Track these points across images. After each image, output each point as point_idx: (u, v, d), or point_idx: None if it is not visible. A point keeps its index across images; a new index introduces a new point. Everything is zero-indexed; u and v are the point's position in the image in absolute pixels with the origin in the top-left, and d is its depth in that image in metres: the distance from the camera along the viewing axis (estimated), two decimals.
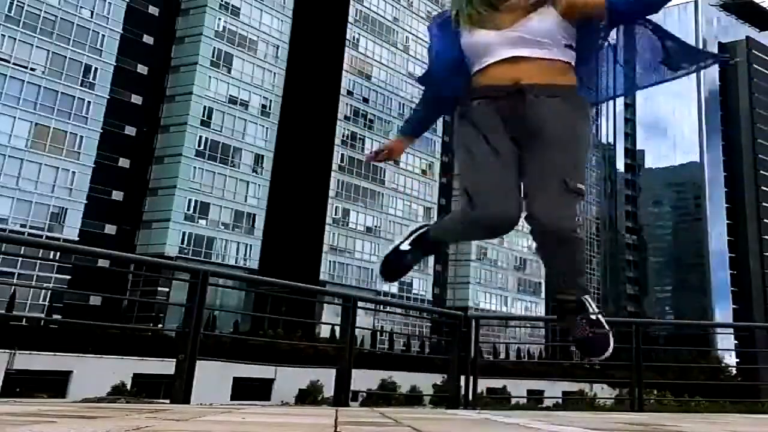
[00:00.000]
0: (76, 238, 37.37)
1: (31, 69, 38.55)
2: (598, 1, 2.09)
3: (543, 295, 67.74)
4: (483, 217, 2.17)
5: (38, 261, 35.49)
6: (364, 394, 21.10)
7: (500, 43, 2.15)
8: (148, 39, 46.24)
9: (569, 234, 2.13)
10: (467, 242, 62.77)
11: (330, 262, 52.09)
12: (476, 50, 2.19)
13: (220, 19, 48.13)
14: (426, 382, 32.79)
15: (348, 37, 56.20)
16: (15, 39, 38.05)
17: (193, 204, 45.08)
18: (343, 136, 54.66)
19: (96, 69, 41.19)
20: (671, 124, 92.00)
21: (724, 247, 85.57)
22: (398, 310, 42.13)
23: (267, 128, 49.72)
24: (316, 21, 55.64)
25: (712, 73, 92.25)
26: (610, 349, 2.19)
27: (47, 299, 37.49)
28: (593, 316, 2.21)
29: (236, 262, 45.85)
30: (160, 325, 37.50)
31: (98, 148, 40.82)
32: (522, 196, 2.18)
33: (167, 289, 39.43)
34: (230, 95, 47.90)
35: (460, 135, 2.27)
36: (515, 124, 2.15)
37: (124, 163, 43.97)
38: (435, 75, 2.33)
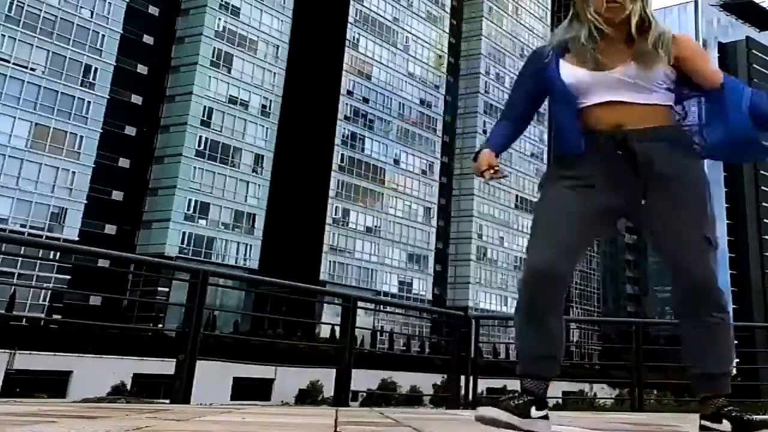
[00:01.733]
0: (76, 238, 37.36)
1: (31, 69, 38.53)
2: (714, 80, 2.09)
3: None
4: (530, 268, 2.07)
5: (38, 261, 35.49)
6: (364, 394, 21.08)
7: (600, 84, 2.08)
8: (148, 39, 46.23)
9: (722, 297, 2.06)
10: (468, 242, 62.84)
11: (330, 262, 52.08)
12: (575, 89, 2.11)
13: (220, 19, 48.12)
14: (426, 382, 32.82)
15: (348, 37, 56.18)
16: (15, 39, 38.04)
17: (193, 204, 45.06)
18: (343, 136, 54.64)
19: (96, 69, 41.17)
20: None
21: (724, 247, 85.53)
22: (398, 310, 42.11)
23: (267, 128, 49.70)
24: (316, 21, 55.62)
25: None
26: None
27: (47, 299, 37.47)
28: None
29: (236, 262, 45.83)
30: (160, 325, 37.49)
31: (98, 148, 40.79)
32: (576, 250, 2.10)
33: (167, 289, 39.41)
34: (230, 95, 47.88)
35: (551, 186, 2.15)
36: (621, 174, 2.06)
37: (124, 163, 43.97)
38: (526, 104, 2.27)
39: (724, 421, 2.03)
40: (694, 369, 2.10)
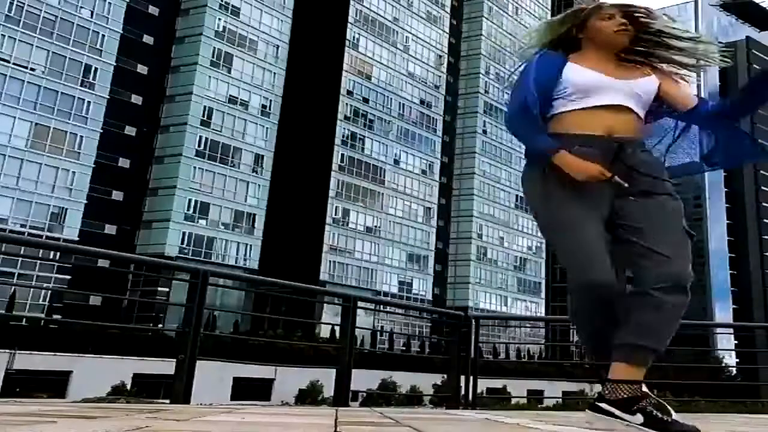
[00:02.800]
0: (76, 238, 37.37)
1: (31, 69, 38.54)
2: (687, 103, 2.37)
3: (543, 295, 67.77)
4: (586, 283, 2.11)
5: (38, 261, 35.51)
6: (364, 394, 21.09)
7: (612, 88, 2.23)
8: (148, 39, 46.22)
9: (688, 288, 2.09)
10: (468, 242, 62.85)
11: (330, 262, 52.09)
12: (584, 88, 2.23)
13: (220, 19, 48.12)
14: (426, 382, 32.82)
15: (348, 37, 56.18)
16: (15, 39, 38.04)
17: (193, 204, 45.07)
18: (343, 136, 54.65)
19: (96, 69, 41.18)
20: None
21: (724, 247, 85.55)
22: (398, 310, 42.12)
23: (267, 128, 49.70)
24: (316, 21, 55.63)
25: (712, 72, 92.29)
26: None
27: (47, 299, 37.49)
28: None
29: (236, 262, 45.84)
30: (160, 325, 37.51)
31: (98, 148, 40.80)
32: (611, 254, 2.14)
33: (167, 289, 39.43)
34: (230, 95, 47.88)
35: (551, 188, 2.19)
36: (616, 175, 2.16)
37: (124, 163, 43.96)
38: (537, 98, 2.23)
39: (638, 414, 1.96)
40: (640, 341, 2.03)
